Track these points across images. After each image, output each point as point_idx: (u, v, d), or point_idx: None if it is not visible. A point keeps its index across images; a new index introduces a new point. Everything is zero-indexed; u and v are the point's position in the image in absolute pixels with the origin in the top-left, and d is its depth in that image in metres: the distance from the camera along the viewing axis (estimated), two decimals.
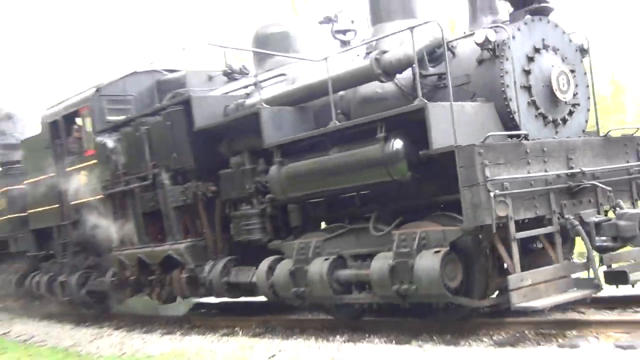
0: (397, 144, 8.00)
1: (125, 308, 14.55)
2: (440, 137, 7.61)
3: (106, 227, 13.07)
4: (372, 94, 9.38)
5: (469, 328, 8.44)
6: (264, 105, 9.75)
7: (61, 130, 14.35)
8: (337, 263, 8.93)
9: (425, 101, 7.70)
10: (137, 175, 12.01)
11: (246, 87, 11.45)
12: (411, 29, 7.93)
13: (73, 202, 14.08)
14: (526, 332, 7.97)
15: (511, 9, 8.81)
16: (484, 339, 8.02)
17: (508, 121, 8.22)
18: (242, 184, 10.42)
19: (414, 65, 8.39)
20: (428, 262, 7.72)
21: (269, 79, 11.01)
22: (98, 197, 13.11)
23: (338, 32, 10.85)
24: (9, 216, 17.01)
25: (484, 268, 8.11)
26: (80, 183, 13.73)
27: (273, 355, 9.19)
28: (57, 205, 14.61)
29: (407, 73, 8.88)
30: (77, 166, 13.88)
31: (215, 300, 13.40)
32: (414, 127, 7.85)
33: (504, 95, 8.15)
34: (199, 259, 11.10)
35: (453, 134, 7.47)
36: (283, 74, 10.82)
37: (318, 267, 8.95)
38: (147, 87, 13.66)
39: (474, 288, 8.11)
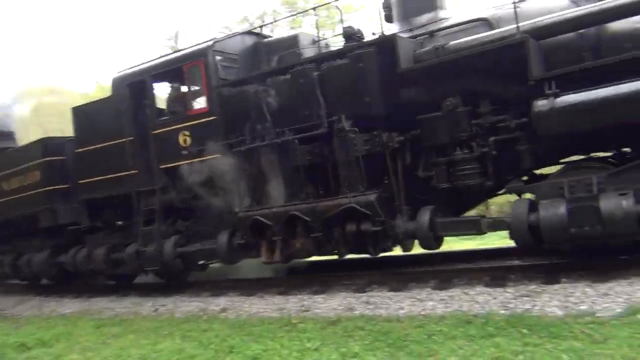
0: None
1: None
2: None
3: (227, 186, 8.51)
4: (629, 30, 6.34)
5: None
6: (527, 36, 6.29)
7: (148, 90, 9.36)
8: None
9: None
10: (297, 126, 7.72)
11: (415, 37, 7.76)
12: None
13: (164, 166, 9.18)
14: None
15: None
16: None
17: None
18: (456, 128, 6.83)
19: None
20: None
21: (459, 24, 7.50)
22: (215, 155, 8.48)
23: None
24: (46, 188, 11.13)
25: None
26: (180, 144, 8.94)
27: (156, 309, 8.66)
28: (135, 171, 9.53)
29: None
30: (176, 127, 9.03)
31: None
32: None
33: None
34: (387, 211, 7.20)
35: None
36: (483, 19, 7.34)
37: (616, 202, 5.73)
38: (248, 48, 9.30)
39: None
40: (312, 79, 7.49)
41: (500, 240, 9.86)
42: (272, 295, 8.07)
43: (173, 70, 9.12)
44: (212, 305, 8.10)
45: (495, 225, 6.67)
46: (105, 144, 9.90)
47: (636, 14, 6.20)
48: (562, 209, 6.04)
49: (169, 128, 9.11)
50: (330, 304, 6.99)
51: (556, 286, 6.09)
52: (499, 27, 7.09)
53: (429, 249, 7.24)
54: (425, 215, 6.99)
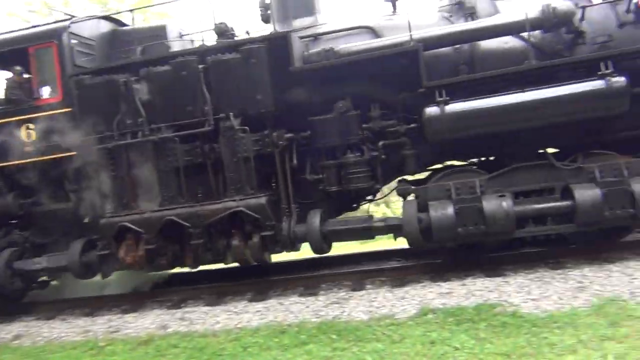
0: (623, 79, 6.13)
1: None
2: None
3: (84, 189, 7.48)
4: (497, 48, 7.08)
5: None
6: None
7: None
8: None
9: None
10: (177, 122, 7.11)
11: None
12: None
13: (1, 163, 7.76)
14: None
15: None
16: None
17: None
18: (347, 131, 6.96)
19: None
20: None
21: (344, 29, 7.59)
22: (69, 153, 7.41)
23: None
24: None
25: None
26: (22, 139, 7.64)
27: None
28: None
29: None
30: (17, 118, 7.67)
31: None
32: None
33: None
34: (276, 215, 7.00)
35: None
36: (367, 27, 7.54)
37: (497, 203, 6.34)
38: (105, 34, 8.37)
39: None
40: (197, 72, 6.98)
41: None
42: (77, 317, 7.50)
43: (14, 51, 7.76)
44: (2, 333, 7.24)
45: (386, 226, 6.87)
46: None
47: (506, 35, 6.98)
48: (450, 209, 6.47)
49: (6, 119, 7.71)
50: (142, 322, 6.74)
51: (362, 292, 6.59)
52: (383, 36, 7.38)
53: (320, 253, 7.17)
54: (316, 218, 6.93)
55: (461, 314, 5.33)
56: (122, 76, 7.24)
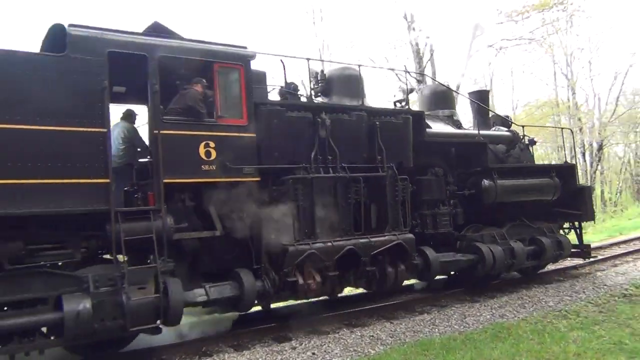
0: (558, 179, 11.53)
1: None
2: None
3: (263, 217, 7.63)
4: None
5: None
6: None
7: (153, 71, 6.86)
8: None
9: (574, 163, 11.84)
10: (355, 164, 8.51)
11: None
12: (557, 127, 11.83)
13: (173, 180, 6.92)
14: None
15: None
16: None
17: None
18: (439, 189, 10.04)
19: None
20: (566, 238, 11.56)
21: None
22: (252, 178, 7.56)
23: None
24: None
25: None
26: (200, 155, 7.16)
27: None
28: (104, 180, 6.45)
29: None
30: (197, 133, 7.12)
31: None
32: None
33: None
34: None
35: (577, 179, 11.99)
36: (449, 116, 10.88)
37: (519, 245, 10.55)
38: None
39: None
40: (374, 127, 8.71)
41: None
42: None
43: (196, 62, 7.28)
44: None
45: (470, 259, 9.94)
46: (43, 128, 6.11)
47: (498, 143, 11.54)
48: (499, 248, 10.19)
49: (185, 132, 7.04)
50: None
51: None
52: (458, 126, 10.80)
53: (431, 280, 9.57)
54: (433, 253, 9.37)
55: None
56: (307, 114, 8.15)
